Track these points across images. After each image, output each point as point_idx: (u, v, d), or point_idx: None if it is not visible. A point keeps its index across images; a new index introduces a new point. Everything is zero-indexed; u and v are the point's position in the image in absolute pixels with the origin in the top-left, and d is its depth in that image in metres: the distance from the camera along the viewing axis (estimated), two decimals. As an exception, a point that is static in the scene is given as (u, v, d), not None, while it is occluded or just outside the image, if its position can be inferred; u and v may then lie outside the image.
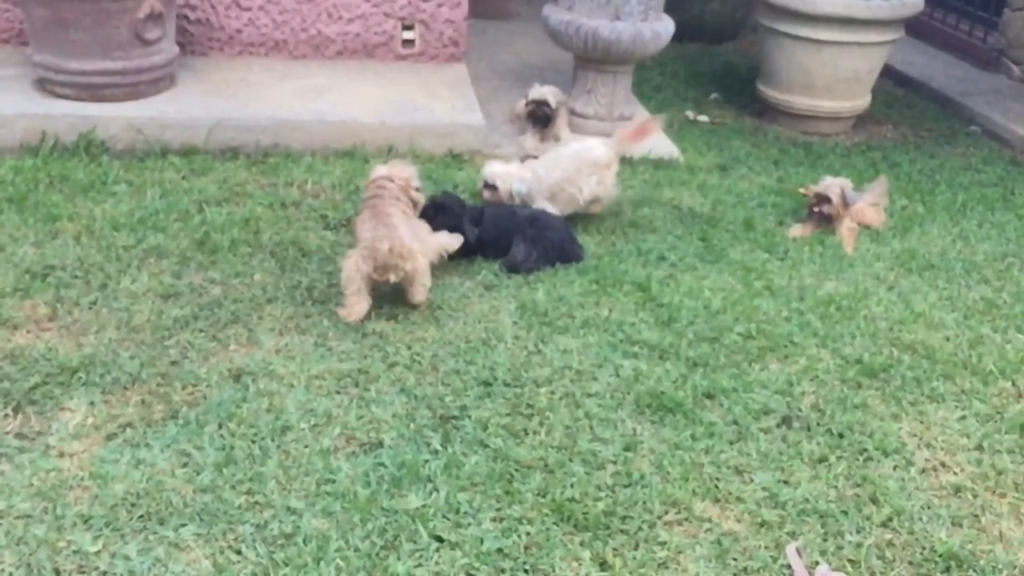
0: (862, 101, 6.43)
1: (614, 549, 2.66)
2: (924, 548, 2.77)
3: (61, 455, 2.82)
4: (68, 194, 4.37)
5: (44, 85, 5.02)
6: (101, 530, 2.56)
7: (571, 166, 4.45)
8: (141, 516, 2.63)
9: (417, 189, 3.91)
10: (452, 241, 3.93)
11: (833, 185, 4.81)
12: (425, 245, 3.73)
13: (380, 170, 3.89)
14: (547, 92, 5.35)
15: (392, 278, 3.59)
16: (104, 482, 2.72)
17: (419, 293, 3.67)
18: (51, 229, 4.05)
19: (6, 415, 2.96)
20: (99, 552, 2.50)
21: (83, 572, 2.44)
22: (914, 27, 7.51)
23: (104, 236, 4.03)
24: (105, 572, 2.44)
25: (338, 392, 3.22)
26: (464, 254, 4.06)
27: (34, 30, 4.95)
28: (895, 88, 7.42)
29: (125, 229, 4.10)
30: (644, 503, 2.83)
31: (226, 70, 5.65)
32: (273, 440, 2.96)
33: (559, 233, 4.18)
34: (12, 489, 2.67)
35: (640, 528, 2.74)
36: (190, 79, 5.43)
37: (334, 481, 2.81)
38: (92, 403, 3.05)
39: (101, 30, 4.83)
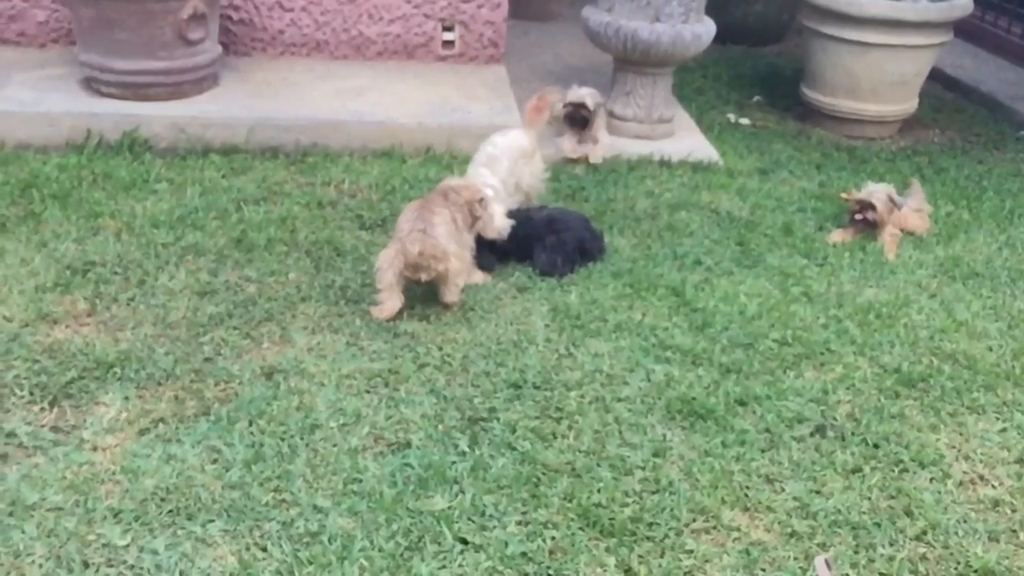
0: (909, 105, 6.32)
1: (640, 556, 2.63)
2: (959, 563, 2.71)
3: (94, 449, 2.86)
4: (111, 191, 4.44)
5: (90, 84, 5.11)
6: (130, 524, 2.59)
7: (507, 159, 4.31)
8: (170, 511, 2.65)
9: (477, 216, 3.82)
10: (481, 279, 3.92)
11: (878, 191, 4.72)
12: (459, 252, 3.69)
13: (453, 181, 3.86)
14: (585, 94, 5.32)
15: (423, 277, 3.59)
16: (135, 476, 2.76)
17: (451, 293, 3.67)
18: (93, 226, 4.12)
19: (42, 408, 3.01)
20: (127, 546, 2.52)
21: (111, 565, 2.47)
22: (964, 29, 7.35)
23: (144, 233, 4.09)
24: (133, 566, 2.47)
25: (368, 392, 3.23)
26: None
27: (81, 30, 5.04)
28: (944, 92, 7.27)
29: (164, 227, 4.15)
30: (672, 510, 2.80)
31: (268, 70, 5.70)
32: (302, 438, 2.97)
33: (577, 233, 4.13)
34: (45, 482, 2.71)
35: (667, 535, 2.71)
36: (232, 79, 5.49)
37: (361, 481, 2.82)
38: (126, 398, 3.09)
39: (146, 30, 4.90)
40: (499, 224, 3.87)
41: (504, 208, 3.99)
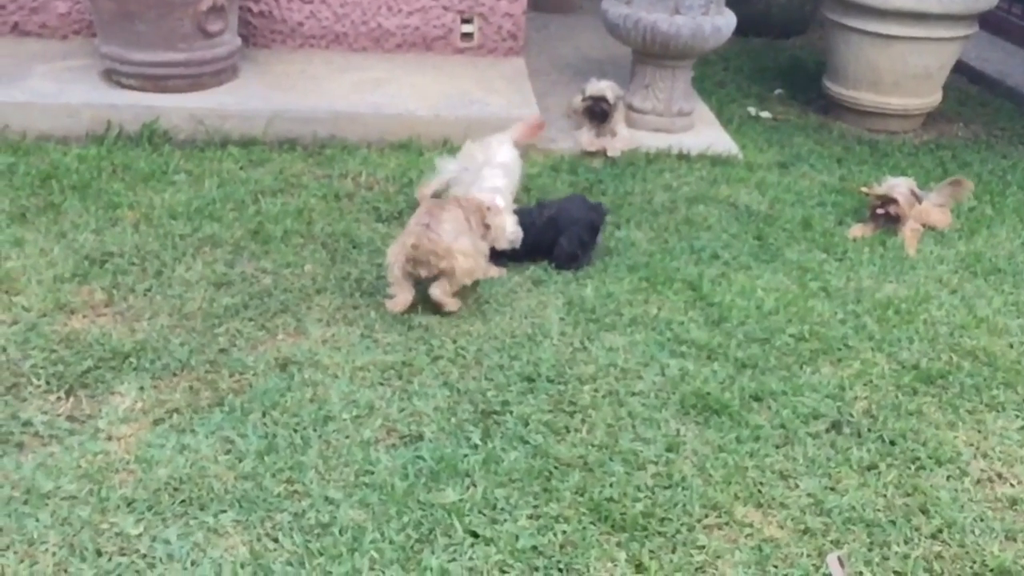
0: (932, 98, 6.24)
1: (651, 551, 2.62)
2: (975, 562, 2.68)
3: (109, 438, 2.88)
4: (129, 182, 4.46)
5: (111, 76, 5.14)
6: (143, 513, 2.61)
7: (517, 169, 4.31)
8: (183, 501, 2.67)
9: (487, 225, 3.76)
10: (496, 273, 3.88)
11: (899, 185, 4.67)
12: (471, 250, 3.61)
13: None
14: (605, 87, 5.29)
15: (423, 273, 3.54)
16: (149, 466, 2.77)
17: (445, 291, 3.56)
18: (111, 216, 4.14)
19: (59, 398, 3.03)
20: (140, 535, 2.54)
21: (124, 554, 2.49)
22: (991, 22, 7.27)
23: (162, 224, 4.11)
24: (145, 555, 2.49)
25: (381, 384, 3.23)
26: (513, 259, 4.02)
27: (101, 22, 5.07)
28: (969, 85, 7.19)
29: (182, 218, 4.17)
30: (684, 505, 2.79)
31: (287, 62, 5.71)
32: (315, 430, 2.98)
33: (582, 223, 4.03)
34: (60, 471, 2.73)
35: (678, 531, 2.70)
36: (251, 71, 5.50)
37: (373, 473, 2.82)
38: (142, 388, 3.11)
39: (165, 22, 4.92)
40: (511, 236, 3.80)
41: (514, 218, 3.90)
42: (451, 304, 3.60)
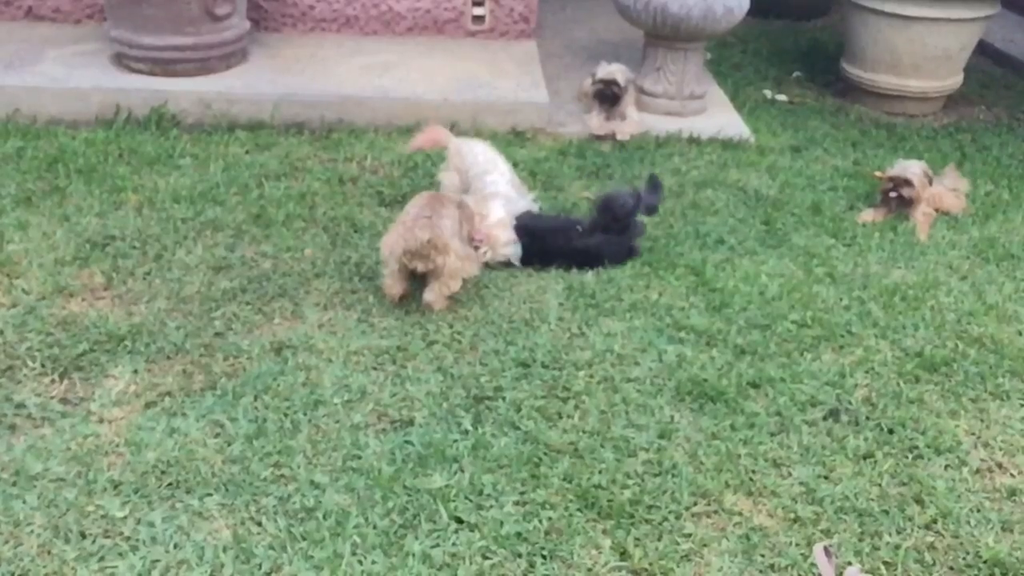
0: (953, 80, 6.11)
1: (636, 539, 2.59)
2: (968, 553, 2.62)
3: (101, 421, 2.90)
4: (135, 166, 4.47)
5: (120, 60, 5.16)
6: (130, 496, 2.62)
7: (502, 161, 4.21)
8: (169, 484, 2.67)
9: (479, 241, 3.74)
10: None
11: (912, 167, 4.58)
12: (462, 252, 3.55)
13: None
14: (615, 71, 5.23)
15: (419, 268, 3.46)
16: (138, 449, 2.79)
17: (437, 292, 3.49)
18: (115, 200, 4.16)
19: (53, 380, 3.05)
20: (125, 518, 2.55)
21: (108, 536, 2.50)
22: (1017, 2, 7.11)
23: (164, 208, 4.12)
24: (128, 537, 2.50)
25: (375, 368, 3.22)
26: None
27: (111, 5, 5.09)
28: (993, 67, 7.04)
29: (185, 201, 4.18)
30: (673, 493, 2.75)
31: (297, 46, 5.70)
32: (305, 414, 2.98)
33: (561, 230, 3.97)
34: (50, 453, 2.75)
35: (666, 518, 2.67)
36: (261, 55, 5.50)
37: (360, 457, 2.81)
38: (136, 371, 3.12)
39: (173, 6, 4.92)
40: (504, 253, 3.82)
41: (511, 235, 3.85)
42: (442, 305, 3.55)
